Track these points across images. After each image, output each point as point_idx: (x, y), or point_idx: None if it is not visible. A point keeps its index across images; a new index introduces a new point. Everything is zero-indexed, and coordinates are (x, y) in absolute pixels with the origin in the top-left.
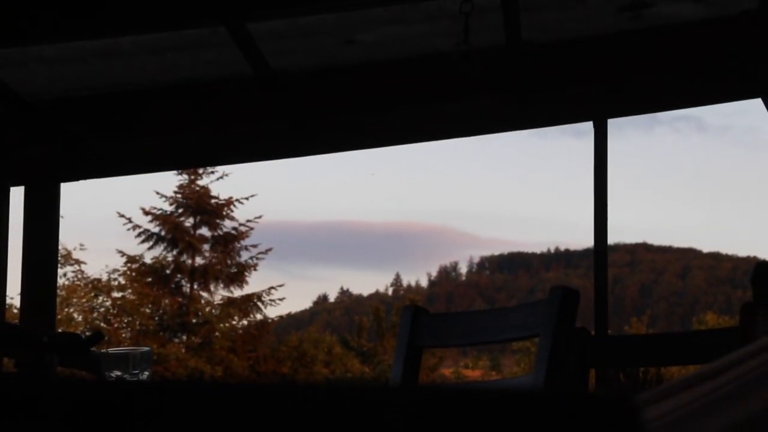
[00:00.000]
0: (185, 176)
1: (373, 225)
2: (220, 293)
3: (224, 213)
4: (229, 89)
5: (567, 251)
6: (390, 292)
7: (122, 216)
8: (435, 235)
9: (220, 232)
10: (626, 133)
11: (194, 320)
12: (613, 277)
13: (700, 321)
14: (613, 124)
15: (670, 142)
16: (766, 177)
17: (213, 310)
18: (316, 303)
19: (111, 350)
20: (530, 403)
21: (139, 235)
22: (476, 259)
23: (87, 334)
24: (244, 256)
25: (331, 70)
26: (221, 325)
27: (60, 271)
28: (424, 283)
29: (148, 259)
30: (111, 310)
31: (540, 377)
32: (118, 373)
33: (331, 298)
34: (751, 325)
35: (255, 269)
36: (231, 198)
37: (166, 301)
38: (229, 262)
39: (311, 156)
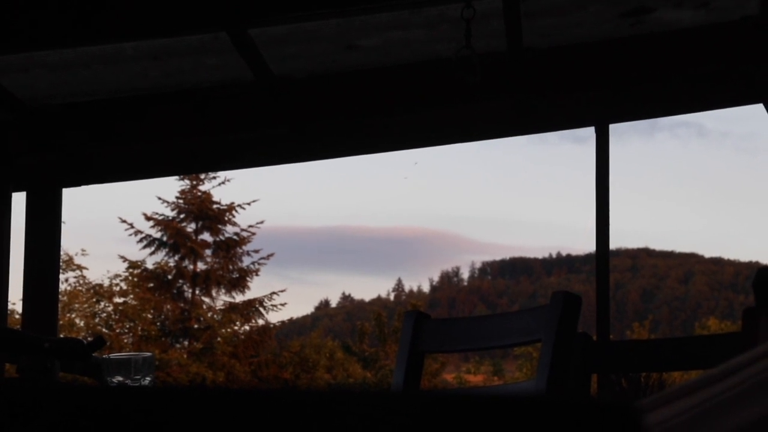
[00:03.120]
0: (187, 182)
1: (375, 230)
2: (221, 298)
3: (226, 218)
4: (231, 95)
5: (569, 256)
6: (392, 297)
7: (124, 221)
8: (437, 240)
9: (222, 238)
10: (627, 138)
11: (196, 326)
12: (615, 283)
13: (702, 326)
14: (613, 129)
15: (670, 148)
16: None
17: (215, 316)
18: (317, 308)
19: (113, 356)
20: (532, 408)
21: (140, 240)
22: (478, 264)
23: (89, 339)
24: (246, 261)
25: (332, 76)
26: (223, 330)
27: (62, 277)
28: (426, 288)
29: (149, 265)
30: (113, 316)
31: (542, 383)
32: (120, 379)
33: (333, 304)
34: (753, 330)
35: (257, 274)
36: (233, 203)
37: (168, 306)
38: (230, 267)
39: (313, 161)
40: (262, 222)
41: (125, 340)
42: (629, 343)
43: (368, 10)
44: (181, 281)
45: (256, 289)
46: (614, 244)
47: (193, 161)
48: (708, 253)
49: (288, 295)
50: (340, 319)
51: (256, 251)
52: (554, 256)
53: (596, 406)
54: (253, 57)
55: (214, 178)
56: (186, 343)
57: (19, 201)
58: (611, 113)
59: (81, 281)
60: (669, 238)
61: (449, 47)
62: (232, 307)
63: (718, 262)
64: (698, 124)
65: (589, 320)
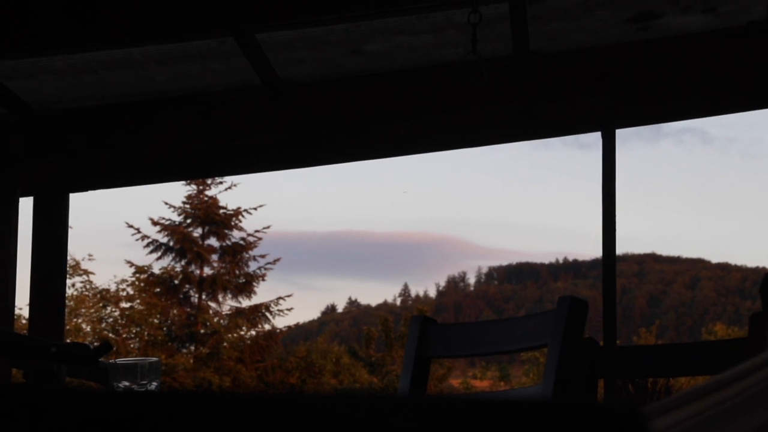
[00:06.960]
0: (194, 186)
1: (382, 235)
2: (228, 303)
3: (232, 223)
4: (238, 99)
5: (575, 261)
6: (398, 302)
7: (131, 226)
8: (443, 245)
9: (229, 243)
10: (632, 144)
11: (202, 330)
12: (622, 288)
13: (709, 331)
14: (618, 135)
15: (675, 154)
16: None
17: (221, 321)
18: (324, 313)
19: (119, 361)
20: (539, 413)
21: (147, 245)
22: (484, 269)
23: (95, 344)
24: (252, 266)
25: (338, 81)
26: (229, 335)
27: (68, 282)
28: (432, 293)
29: (156, 270)
30: (119, 321)
31: (548, 388)
32: (127, 384)
33: (340, 309)
34: (760, 335)
35: (263, 279)
36: (239, 208)
37: (175, 311)
38: (237, 272)
39: (319, 166)
40: (268, 227)
41: (132, 345)
42: (636, 349)
43: (374, 15)
44: (187, 286)
45: (262, 294)
46: (621, 249)
47: (200, 166)
48: (715, 258)
49: (294, 300)
50: (347, 324)
51: (263, 256)
52: (561, 261)
53: (603, 411)
54: (259, 61)
55: (221, 183)
56: (192, 348)
57: (26, 206)
58: (618, 118)
59: (88, 286)
60: (675, 243)
61: (455, 52)
62: (238, 312)
63: (724, 268)
64: (703, 131)
65: (595, 325)
